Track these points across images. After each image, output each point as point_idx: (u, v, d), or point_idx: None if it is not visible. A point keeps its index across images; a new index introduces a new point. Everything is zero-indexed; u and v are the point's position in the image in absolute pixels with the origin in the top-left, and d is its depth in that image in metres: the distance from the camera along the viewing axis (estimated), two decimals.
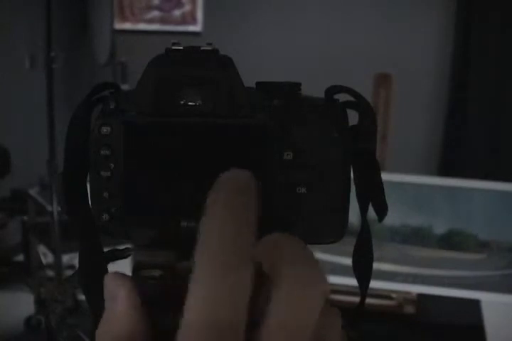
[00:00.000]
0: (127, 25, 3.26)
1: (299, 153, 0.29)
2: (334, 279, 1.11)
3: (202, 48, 0.30)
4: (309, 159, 0.29)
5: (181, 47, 0.30)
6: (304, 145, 0.29)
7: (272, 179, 0.29)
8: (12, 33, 2.84)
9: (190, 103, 0.29)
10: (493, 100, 2.85)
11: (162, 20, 3.26)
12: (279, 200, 0.29)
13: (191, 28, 3.21)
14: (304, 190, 0.29)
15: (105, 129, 0.29)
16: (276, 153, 0.28)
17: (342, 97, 0.31)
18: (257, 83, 0.30)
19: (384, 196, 0.31)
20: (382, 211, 0.31)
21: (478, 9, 2.84)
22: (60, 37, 2.66)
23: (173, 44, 0.30)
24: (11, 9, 2.82)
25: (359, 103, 0.30)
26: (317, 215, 0.30)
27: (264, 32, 3.06)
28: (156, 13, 3.27)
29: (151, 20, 3.27)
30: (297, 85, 0.30)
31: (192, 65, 0.29)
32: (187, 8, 3.22)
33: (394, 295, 1.18)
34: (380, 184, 0.31)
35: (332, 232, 0.30)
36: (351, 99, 0.30)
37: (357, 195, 0.31)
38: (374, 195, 0.31)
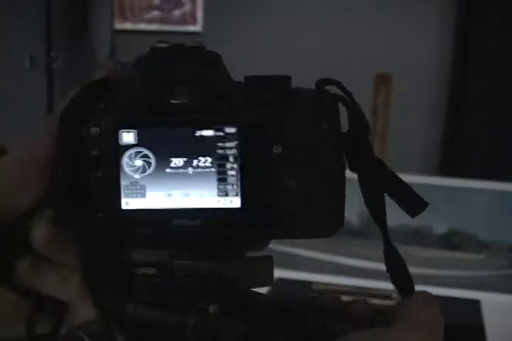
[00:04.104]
0: (127, 25, 3.26)
1: (288, 147, 0.29)
2: (334, 279, 1.11)
3: (187, 45, 0.29)
4: (299, 153, 0.29)
5: (166, 45, 0.29)
6: (293, 138, 0.29)
7: (260, 173, 0.28)
8: (12, 33, 2.84)
9: (178, 101, 0.29)
10: (493, 100, 2.85)
11: (162, 20, 3.26)
12: (269, 194, 0.28)
13: (191, 28, 3.20)
14: (293, 183, 0.29)
15: (94, 130, 0.29)
16: (265, 147, 0.28)
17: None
18: (246, 77, 0.30)
19: (408, 188, 0.30)
20: (414, 207, 0.30)
21: (478, 9, 2.84)
22: (60, 37, 2.66)
23: (158, 42, 0.29)
24: (11, 9, 2.82)
25: (347, 98, 0.30)
26: (309, 208, 0.29)
27: (265, 32, 3.06)
28: (156, 13, 3.27)
29: (151, 20, 3.27)
30: (287, 78, 0.30)
31: (177, 62, 0.29)
32: (187, 8, 3.23)
33: (394, 295, 1.18)
34: (394, 178, 0.30)
35: (326, 226, 0.30)
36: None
37: (367, 204, 0.30)
38: (394, 192, 0.30)
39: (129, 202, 0.29)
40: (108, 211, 0.29)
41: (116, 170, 0.28)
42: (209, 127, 0.28)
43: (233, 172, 0.29)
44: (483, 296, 1.15)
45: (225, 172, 0.29)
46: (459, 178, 1.17)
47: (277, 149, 0.29)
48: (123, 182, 0.29)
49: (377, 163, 0.30)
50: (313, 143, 0.29)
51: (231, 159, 0.29)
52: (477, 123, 2.88)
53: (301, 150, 0.29)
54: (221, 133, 0.28)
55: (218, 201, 0.29)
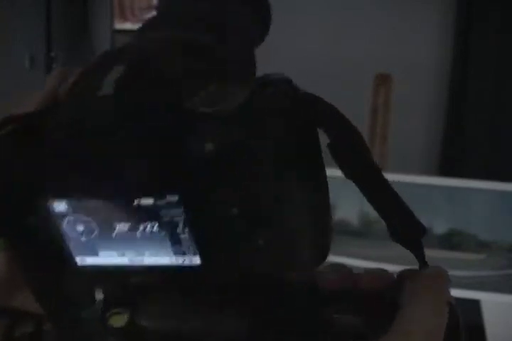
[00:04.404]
0: (127, 25, 3.26)
1: (247, 207, 0.24)
2: None
3: (100, 95, 0.25)
4: (264, 211, 0.24)
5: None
6: (253, 198, 0.24)
7: (218, 234, 0.25)
8: (12, 33, 2.84)
9: (109, 164, 0.25)
10: (493, 100, 2.85)
11: None
12: (232, 253, 0.25)
13: None
14: (261, 241, 0.24)
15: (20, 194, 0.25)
16: (218, 211, 0.24)
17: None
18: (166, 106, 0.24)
19: (408, 212, 0.27)
20: (416, 232, 0.27)
21: (478, 9, 2.83)
22: (60, 37, 2.66)
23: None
24: (11, 9, 2.82)
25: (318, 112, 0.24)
26: (282, 257, 0.25)
27: None
28: None
29: None
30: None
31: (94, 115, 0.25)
32: None
33: None
34: (394, 200, 0.27)
35: (303, 263, 0.26)
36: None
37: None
38: (395, 218, 0.27)
39: (84, 259, 0.26)
40: (65, 265, 0.27)
41: (59, 235, 0.26)
42: (147, 195, 0.24)
43: (186, 236, 0.25)
44: (483, 296, 1.15)
45: (177, 235, 0.25)
46: (459, 178, 1.17)
47: (233, 211, 0.24)
48: (71, 244, 0.26)
49: (376, 175, 0.26)
50: (282, 195, 0.24)
51: (181, 224, 0.25)
52: (477, 123, 2.88)
53: (266, 208, 0.24)
54: (163, 202, 0.24)
55: (176, 259, 0.26)
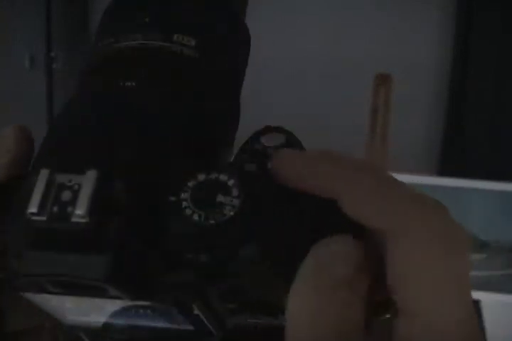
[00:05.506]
0: None
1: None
2: None
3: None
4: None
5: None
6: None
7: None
8: (12, 33, 2.84)
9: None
10: (493, 100, 2.85)
11: None
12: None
13: None
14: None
15: None
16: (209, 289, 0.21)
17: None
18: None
19: None
20: None
21: (478, 9, 2.84)
22: (60, 37, 2.66)
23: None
24: (11, 9, 2.82)
25: None
26: None
27: (265, 32, 3.06)
28: None
29: None
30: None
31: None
32: None
33: None
34: None
35: None
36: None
37: None
38: None
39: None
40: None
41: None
42: (118, 298, 0.20)
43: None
44: (483, 296, 1.15)
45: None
46: (459, 178, 1.17)
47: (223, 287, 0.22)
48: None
49: None
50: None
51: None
52: (477, 123, 2.88)
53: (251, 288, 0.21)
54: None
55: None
